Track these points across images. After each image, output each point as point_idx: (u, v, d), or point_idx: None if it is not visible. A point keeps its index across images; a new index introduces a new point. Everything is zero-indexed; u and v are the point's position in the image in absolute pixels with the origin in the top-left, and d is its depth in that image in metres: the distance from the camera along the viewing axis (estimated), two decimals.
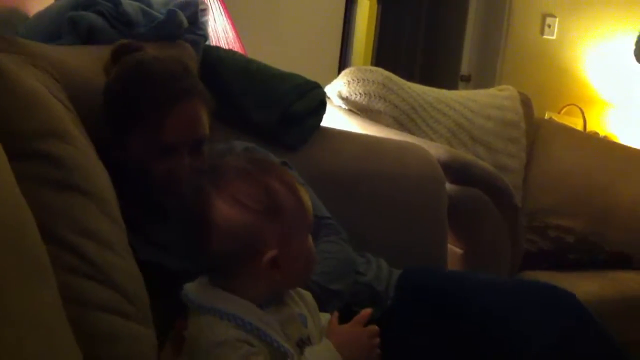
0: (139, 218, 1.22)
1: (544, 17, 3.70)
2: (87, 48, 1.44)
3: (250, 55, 2.00)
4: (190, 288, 0.98)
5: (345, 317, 1.05)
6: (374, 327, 0.96)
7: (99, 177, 1.07)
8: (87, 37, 1.49)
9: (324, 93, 1.85)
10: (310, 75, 1.86)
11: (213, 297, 0.95)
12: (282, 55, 2.81)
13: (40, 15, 1.57)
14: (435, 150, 1.88)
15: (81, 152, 1.04)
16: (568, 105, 3.49)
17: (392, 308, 1.35)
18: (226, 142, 1.44)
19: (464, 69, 4.10)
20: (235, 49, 2.26)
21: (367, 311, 0.97)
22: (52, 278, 0.79)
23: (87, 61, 1.35)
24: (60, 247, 0.91)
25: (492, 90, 2.87)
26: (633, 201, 2.39)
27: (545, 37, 3.70)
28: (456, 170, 1.86)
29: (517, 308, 1.23)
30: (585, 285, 2.02)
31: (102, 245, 0.99)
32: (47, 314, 0.75)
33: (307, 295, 1.03)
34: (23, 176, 0.83)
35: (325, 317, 1.05)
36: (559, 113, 3.49)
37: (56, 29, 1.49)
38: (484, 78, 3.92)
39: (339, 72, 2.57)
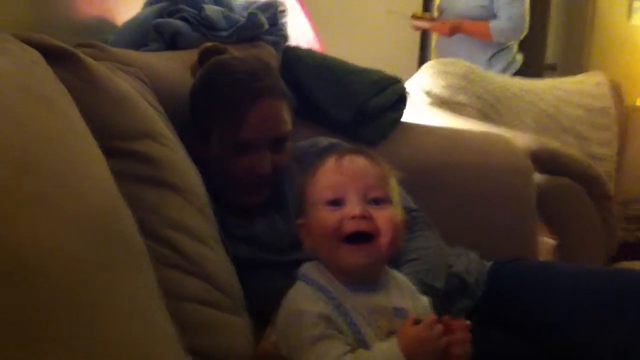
0: (223, 215, 1.24)
1: (631, 1, 3.57)
2: (172, 53, 1.49)
3: (329, 53, 2.01)
4: (306, 265, 1.00)
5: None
6: (439, 327, 0.91)
7: (191, 174, 1.11)
8: (172, 42, 1.54)
9: (404, 88, 1.84)
10: (390, 70, 1.86)
11: (318, 273, 0.97)
12: (360, 52, 2.81)
13: (128, 23, 1.63)
14: (522, 140, 1.84)
15: (173, 151, 1.08)
16: None
17: (483, 300, 1.33)
18: (310, 139, 1.45)
19: (549, 58, 3.99)
20: (315, 48, 2.27)
21: (432, 317, 0.93)
22: (149, 267, 0.82)
23: (173, 65, 1.40)
24: (156, 241, 0.94)
25: (579, 77, 2.78)
26: None
27: (632, 22, 3.56)
28: (545, 160, 1.82)
29: (600, 296, 1.19)
30: None
31: (196, 240, 1.02)
32: (148, 302, 0.78)
33: (406, 283, 1.03)
34: (120, 174, 0.87)
35: (424, 301, 1.03)
36: None
37: (143, 36, 1.55)
38: (570, 66, 3.80)
39: (419, 66, 2.54)
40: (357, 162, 0.98)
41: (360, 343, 0.91)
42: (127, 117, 1.01)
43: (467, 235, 1.57)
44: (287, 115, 1.28)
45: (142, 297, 0.77)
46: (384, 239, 0.94)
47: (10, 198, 0.62)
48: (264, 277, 1.19)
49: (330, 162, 0.99)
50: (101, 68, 1.03)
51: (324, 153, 1.35)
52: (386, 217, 0.95)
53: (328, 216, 0.95)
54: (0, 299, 0.57)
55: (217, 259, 1.06)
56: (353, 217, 0.93)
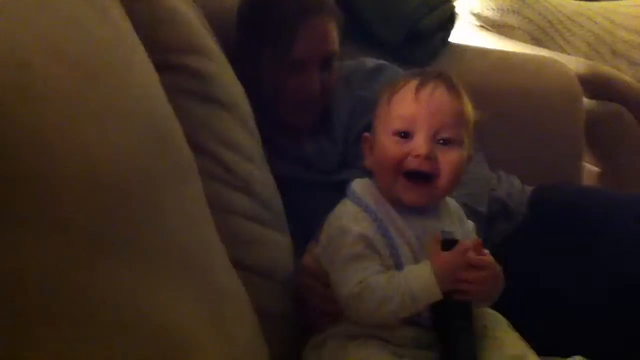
0: (272, 135, 1.25)
1: None
2: None
3: None
4: (357, 182, 0.99)
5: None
6: (472, 257, 0.90)
7: (238, 92, 1.11)
8: None
9: (453, 7, 1.80)
10: None
11: (368, 192, 0.97)
12: None
13: None
14: (573, 63, 1.80)
15: (221, 67, 1.08)
16: None
17: (523, 224, 1.33)
18: (356, 59, 1.44)
19: None
20: None
21: (470, 242, 0.93)
22: (198, 179, 0.84)
23: None
24: (202, 155, 0.96)
25: (635, 1, 2.67)
26: None
27: None
28: (595, 85, 1.78)
29: None
30: None
31: (242, 156, 1.04)
32: (198, 213, 0.80)
33: (455, 208, 1.03)
34: (169, 87, 0.87)
35: (470, 226, 1.03)
36: None
37: None
38: None
39: None
40: (436, 96, 0.94)
41: (398, 266, 0.92)
42: (177, 31, 1.01)
43: (512, 157, 1.57)
44: (336, 34, 1.27)
45: (192, 207, 0.80)
46: (443, 181, 0.93)
47: (81, 105, 0.63)
48: (311, 197, 1.21)
49: (410, 89, 0.94)
50: None
51: (370, 74, 1.38)
52: (451, 161, 0.93)
53: (393, 147, 0.94)
54: (76, 200, 0.58)
55: (262, 176, 1.08)
56: (417, 155, 0.92)
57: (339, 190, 1.00)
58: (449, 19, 1.77)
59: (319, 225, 1.00)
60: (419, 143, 0.92)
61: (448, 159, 0.93)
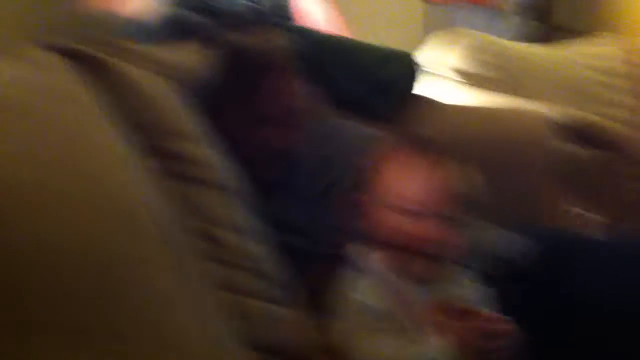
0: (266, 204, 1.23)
1: None
2: (193, 46, 1.43)
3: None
4: (368, 256, 1.00)
5: None
6: (489, 324, 0.93)
7: (229, 170, 1.11)
8: (191, 35, 1.48)
9: (414, 61, 1.83)
10: (394, 39, 1.94)
11: (380, 265, 0.97)
12: (365, 20, 2.75)
13: (142, 17, 1.59)
14: (556, 113, 1.81)
15: (207, 148, 1.07)
16: None
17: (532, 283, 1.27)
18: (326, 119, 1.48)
19: (557, 19, 3.95)
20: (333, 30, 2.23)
21: (485, 313, 0.96)
22: (197, 266, 0.86)
23: (192, 56, 1.38)
24: (202, 238, 0.95)
25: (592, 40, 2.74)
26: None
27: None
28: (580, 133, 1.79)
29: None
30: None
31: (243, 235, 1.03)
32: (198, 299, 0.81)
33: (462, 273, 1.04)
34: (159, 173, 0.89)
35: (484, 292, 1.05)
36: None
37: (160, 30, 1.53)
38: (579, 28, 3.76)
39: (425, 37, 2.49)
40: (439, 174, 0.97)
41: (419, 337, 0.92)
42: (159, 117, 1.01)
43: (500, 208, 1.55)
44: (299, 88, 1.34)
45: (180, 290, 0.78)
46: (449, 260, 0.98)
47: (37, 197, 0.64)
48: (313, 268, 1.17)
49: (412, 166, 0.97)
50: (128, 68, 1.02)
51: (365, 143, 1.36)
52: (457, 241, 0.97)
53: (398, 227, 0.95)
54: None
55: (264, 252, 1.07)
56: (427, 239, 0.94)
57: (340, 261, 1.02)
58: (410, 72, 1.80)
59: (323, 297, 1.01)
60: (427, 226, 0.95)
61: (453, 237, 0.97)
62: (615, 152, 1.81)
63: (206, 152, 1.06)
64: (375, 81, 1.73)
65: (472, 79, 2.18)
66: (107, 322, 0.63)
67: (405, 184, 0.96)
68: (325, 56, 1.73)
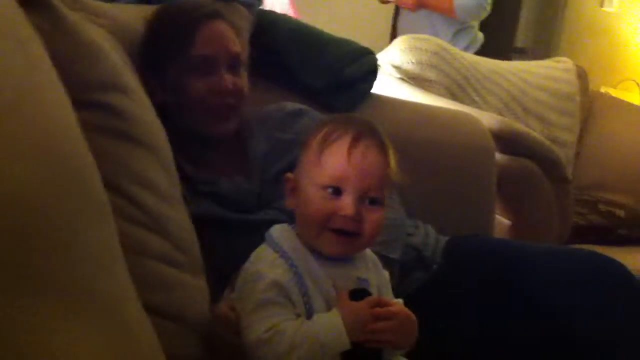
0: (192, 171, 1.27)
1: None
2: (143, 7, 1.45)
3: (303, 20, 2.00)
4: (277, 227, 1.00)
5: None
6: (379, 310, 0.92)
7: (156, 130, 1.10)
8: None
9: (376, 59, 1.85)
10: (362, 42, 1.86)
11: (285, 238, 0.97)
12: (334, 22, 2.81)
13: None
14: (487, 119, 1.87)
15: (141, 105, 1.07)
16: (625, 80, 3.41)
17: (437, 273, 1.35)
18: (277, 103, 1.46)
19: (519, 41, 4.02)
20: (289, 14, 2.26)
21: (380, 298, 0.96)
22: (111, 219, 0.82)
23: (142, 20, 1.37)
24: (119, 195, 0.94)
25: (547, 62, 2.82)
26: None
27: (604, 9, 3.60)
28: (507, 140, 1.85)
29: (564, 273, 1.21)
30: (636, 261, 1.98)
31: (159, 197, 1.02)
32: (111, 253, 0.78)
33: (371, 256, 1.04)
34: (87, 126, 0.86)
35: (385, 275, 1.05)
36: (615, 88, 3.42)
37: None
38: (540, 51, 3.84)
39: (391, 40, 2.55)
40: (368, 157, 0.95)
41: (310, 315, 0.92)
42: (97, 69, 0.99)
43: (426, 208, 1.59)
44: (235, 39, 1.34)
45: (104, 249, 0.77)
46: (366, 239, 0.96)
47: None
48: (229, 238, 1.21)
49: (343, 145, 0.95)
50: (74, 17, 1.00)
51: (289, 117, 1.40)
52: (375, 220, 0.95)
53: (321, 202, 0.95)
54: None
55: (179, 217, 1.07)
56: (345, 215, 0.93)
57: (257, 232, 1.01)
58: (371, 70, 1.81)
59: (236, 270, 0.99)
60: (348, 203, 0.93)
61: (372, 218, 0.95)
62: (536, 161, 1.85)
63: (135, 107, 1.05)
64: (337, 78, 1.72)
65: (408, 76, 2.24)
66: (33, 271, 0.62)
67: (332, 160, 0.95)
68: (288, 45, 1.73)
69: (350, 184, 0.93)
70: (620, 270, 1.22)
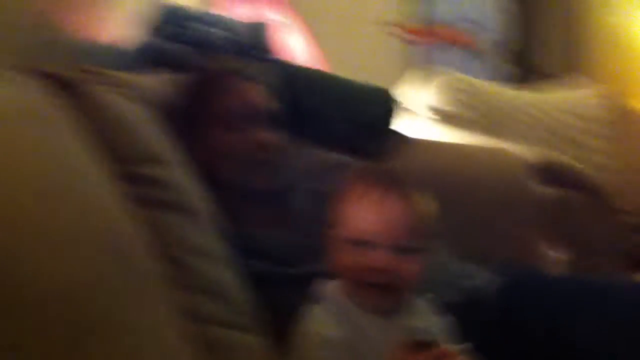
0: (237, 228, 1.24)
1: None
2: (170, 75, 1.48)
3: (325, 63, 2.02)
4: (326, 286, 1.00)
5: None
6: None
7: (198, 195, 1.11)
8: (171, 65, 1.52)
9: (396, 99, 1.84)
10: (380, 81, 1.88)
11: (338, 296, 0.97)
12: (352, 63, 2.79)
13: (126, 47, 1.62)
14: (529, 154, 1.83)
15: (179, 173, 1.08)
16: None
17: (499, 317, 1.29)
18: (318, 155, 1.51)
19: (545, 66, 3.99)
20: (314, 65, 2.27)
21: (441, 350, 0.93)
22: (164, 292, 0.84)
23: (173, 87, 1.41)
24: (171, 265, 0.95)
25: (576, 86, 2.79)
26: None
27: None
28: (554, 174, 1.82)
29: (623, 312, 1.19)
30: None
31: (212, 261, 1.03)
32: (165, 328, 0.79)
33: (424, 303, 1.03)
34: (129, 197, 0.88)
35: (443, 321, 1.03)
36: None
37: (142, 59, 1.55)
38: (568, 74, 3.81)
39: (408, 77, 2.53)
40: (397, 207, 0.96)
41: None
42: (134, 142, 1.01)
43: (473, 247, 1.56)
44: (265, 96, 1.38)
45: (160, 323, 0.79)
46: (404, 289, 0.97)
47: (9, 216, 0.63)
48: (274, 292, 1.17)
49: (371, 199, 0.96)
50: (103, 94, 1.03)
51: (332, 171, 1.39)
52: (411, 271, 0.95)
53: (352, 258, 0.95)
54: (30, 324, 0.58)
55: (231, 278, 1.07)
56: (376, 269, 0.93)
57: (303, 286, 1.01)
58: (393, 110, 1.81)
59: (288, 323, 0.98)
60: (378, 257, 0.94)
61: (407, 267, 0.95)
62: (583, 193, 1.82)
63: (176, 175, 1.07)
64: (356, 118, 1.74)
65: (446, 117, 2.22)
66: (78, 352, 0.63)
67: (360, 215, 0.96)
68: (303, 89, 1.75)
69: (380, 237, 0.94)
70: None
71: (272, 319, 1.06)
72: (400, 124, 1.86)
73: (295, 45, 2.28)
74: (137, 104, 1.15)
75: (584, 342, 1.18)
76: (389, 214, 0.95)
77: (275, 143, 1.35)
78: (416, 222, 0.97)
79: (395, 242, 0.94)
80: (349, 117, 1.74)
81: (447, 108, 2.24)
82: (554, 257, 1.73)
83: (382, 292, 0.95)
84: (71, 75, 0.99)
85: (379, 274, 0.93)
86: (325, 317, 0.95)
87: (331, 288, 0.99)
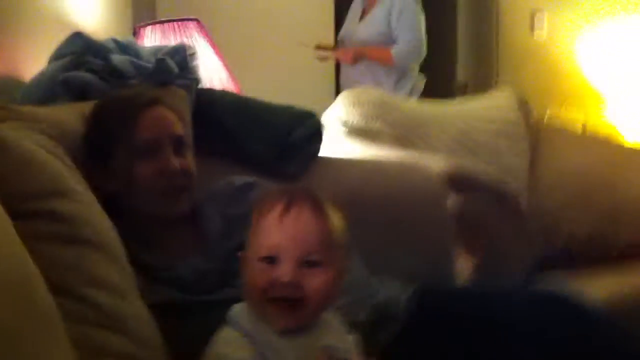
0: (149, 258, 1.25)
1: (533, 13, 3.71)
2: (80, 104, 1.46)
3: (244, 90, 2.03)
4: (236, 307, 0.99)
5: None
6: None
7: (105, 227, 1.10)
8: (82, 94, 1.52)
9: (319, 121, 1.87)
10: (307, 101, 1.90)
11: (246, 317, 0.97)
12: (277, 87, 2.84)
13: (35, 80, 1.60)
14: (436, 163, 1.89)
15: (84, 205, 1.08)
16: (567, 101, 3.50)
17: (404, 329, 1.33)
18: (225, 178, 1.47)
19: (460, 76, 4.11)
20: (229, 89, 2.29)
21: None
22: (63, 332, 0.82)
23: (80, 116, 1.39)
24: (71, 299, 0.94)
25: (488, 95, 2.87)
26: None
27: (535, 37, 3.71)
28: (459, 181, 1.86)
29: (526, 321, 1.25)
30: (602, 281, 2.01)
31: (114, 294, 1.02)
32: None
33: (334, 321, 1.03)
34: (27, 235, 0.86)
35: (350, 339, 1.04)
36: (559, 109, 3.50)
37: (51, 91, 1.52)
38: (480, 83, 3.93)
39: (336, 96, 2.59)
40: (301, 221, 0.95)
41: None
42: (36, 178, 1.00)
43: (388, 262, 1.59)
44: (177, 122, 1.37)
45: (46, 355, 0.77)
46: (312, 304, 0.95)
47: None
48: (190, 321, 1.19)
49: (275, 215, 0.96)
50: (5, 131, 1.03)
51: (239, 192, 1.41)
52: (318, 284, 0.94)
53: (259, 274, 0.95)
54: None
55: (137, 312, 1.06)
56: (281, 283, 0.93)
57: (219, 312, 1.00)
58: (316, 132, 1.83)
59: (201, 354, 0.98)
60: (284, 271, 0.93)
61: (315, 282, 0.94)
62: (491, 197, 1.88)
63: (82, 208, 1.05)
64: (285, 143, 1.74)
65: (355, 130, 2.26)
66: None
67: (268, 232, 0.96)
68: (231, 118, 1.75)
69: (284, 251, 0.94)
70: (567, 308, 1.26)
71: (187, 347, 1.03)
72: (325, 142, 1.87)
73: (210, 66, 2.29)
74: (43, 137, 1.15)
75: (486, 350, 1.24)
76: (295, 228, 0.95)
77: (187, 168, 1.34)
78: (325, 236, 0.96)
79: (301, 255, 0.94)
80: (268, 138, 1.74)
81: (355, 121, 2.28)
82: (464, 263, 1.78)
83: (289, 309, 0.94)
84: None
85: (284, 288, 0.93)
86: (235, 339, 0.94)
87: (240, 309, 0.98)
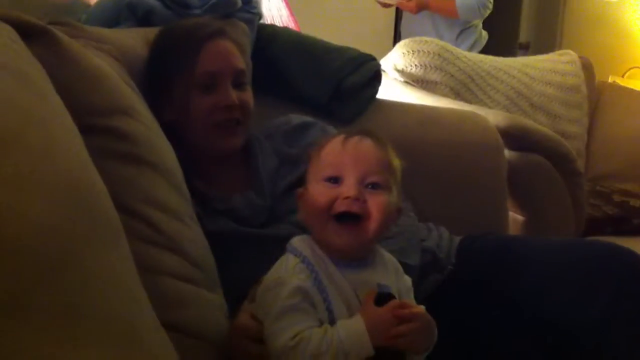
0: (205, 188, 1.27)
1: None
2: (144, 30, 1.47)
3: (304, 31, 2.01)
4: (297, 238, 1.01)
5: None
6: (403, 312, 0.92)
7: (164, 150, 1.12)
8: (146, 21, 1.53)
9: (379, 65, 1.85)
10: (364, 47, 1.87)
11: (306, 247, 0.98)
12: (336, 31, 2.82)
13: (101, 3, 1.61)
14: (494, 117, 1.87)
15: (146, 126, 1.08)
16: (632, 68, 3.39)
17: (452, 274, 1.35)
18: (283, 117, 1.47)
19: (523, 36, 4.02)
20: (290, 27, 2.28)
21: (402, 302, 0.95)
22: (125, 242, 0.83)
23: (144, 41, 1.41)
24: (130, 216, 0.95)
25: (551, 56, 2.82)
26: None
27: None
28: (516, 137, 1.85)
29: (573, 268, 1.23)
30: None
31: (170, 215, 1.03)
32: (125, 275, 0.79)
33: (392, 261, 1.04)
34: (96, 150, 0.87)
35: (407, 281, 1.05)
36: (622, 77, 3.40)
37: (115, 15, 1.53)
38: (544, 45, 3.84)
39: (394, 44, 2.56)
40: (362, 145, 0.99)
41: (332, 321, 0.92)
42: (102, 94, 1.01)
43: (439, 210, 1.61)
44: (239, 55, 1.35)
45: (120, 269, 0.78)
46: (373, 223, 0.96)
47: None
48: (243, 252, 1.21)
49: (337, 141, 1.00)
50: (75, 45, 1.03)
51: (296, 131, 1.41)
52: (379, 203, 0.96)
53: (323, 192, 0.97)
54: None
55: (192, 235, 1.08)
56: (346, 198, 0.95)
57: (272, 246, 1.01)
58: (375, 77, 1.82)
59: (253, 282, 1.00)
60: (348, 186, 0.96)
61: (376, 201, 0.96)
62: (546, 156, 1.85)
63: (144, 130, 1.06)
64: (340, 88, 1.72)
65: (412, 79, 2.24)
66: (56, 298, 0.64)
67: (332, 155, 0.99)
68: (290, 57, 1.74)
69: (347, 170, 0.97)
70: (631, 259, 1.22)
71: (242, 278, 1.05)
72: (380, 90, 1.86)
73: (272, 4, 2.28)
74: (108, 58, 1.16)
75: (530, 297, 1.23)
76: (357, 150, 0.98)
77: (246, 104, 1.33)
78: (385, 162, 0.99)
79: (364, 174, 0.96)
80: (323, 79, 1.72)
81: (413, 70, 2.26)
82: (512, 218, 1.77)
83: (351, 226, 0.95)
84: (42, 25, 0.98)
85: (349, 203, 0.94)
86: (294, 264, 0.95)
87: (301, 239, 1.00)
